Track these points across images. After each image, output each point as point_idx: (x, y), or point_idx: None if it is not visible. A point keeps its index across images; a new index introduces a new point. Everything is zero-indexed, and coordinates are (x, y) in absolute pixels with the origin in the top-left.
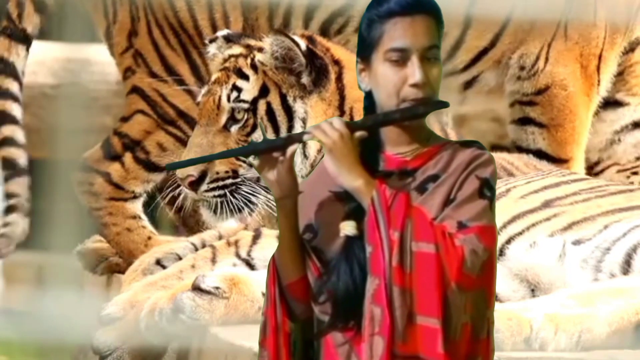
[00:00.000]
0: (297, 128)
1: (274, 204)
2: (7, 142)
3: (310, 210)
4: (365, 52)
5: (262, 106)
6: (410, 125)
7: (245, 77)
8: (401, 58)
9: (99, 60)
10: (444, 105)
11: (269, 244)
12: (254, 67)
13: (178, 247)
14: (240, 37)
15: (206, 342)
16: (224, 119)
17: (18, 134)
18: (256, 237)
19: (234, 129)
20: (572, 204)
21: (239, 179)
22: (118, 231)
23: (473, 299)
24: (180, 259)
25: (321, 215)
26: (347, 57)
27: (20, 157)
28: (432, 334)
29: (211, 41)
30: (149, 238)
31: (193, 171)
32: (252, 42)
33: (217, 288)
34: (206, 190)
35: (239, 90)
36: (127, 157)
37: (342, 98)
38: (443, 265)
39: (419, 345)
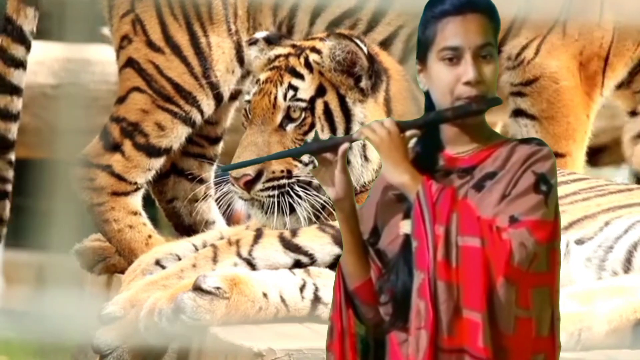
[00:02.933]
0: (355, 130)
1: (322, 207)
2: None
3: (375, 213)
4: (422, 52)
5: (319, 106)
6: (469, 125)
7: (300, 76)
8: (454, 56)
9: (99, 60)
10: (497, 102)
11: (270, 243)
12: (308, 66)
13: (178, 247)
14: (280, 38)
15: (206, 342)
16: (279, 117)
17: (12, 105)
18: (257, 236)
19: (290, 127)
20: (572, 203)
21: (292, 179)
22: (120, 228)
23: (532, 295)
24: (180, 259)
25: (384, 218)
26: (394, 66)
27: (10, 132)
28: (474, 327)
29: (251, 44)
30: (150, 237)
31: (250, 170)
32: (297, 42)
33: (218, 288)
34: (261, 190)
35: (295, 89)
36: (127, 145)
37: (388, 111)
38: (489, 259)
39: (464, 339)
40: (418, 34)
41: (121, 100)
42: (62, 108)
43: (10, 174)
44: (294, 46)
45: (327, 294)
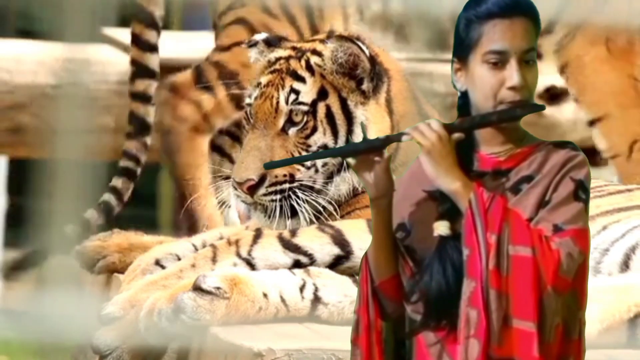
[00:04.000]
0: (358, 133)
1: (323, 209)
2: (139, 96)
3: (404, 209)
4: (462, 52)
5: (321, 109)
6: (505, 126)
7: (302, 80)
8: (499, 60)
9: (99, 60)
10: (541, 108)
11: (269, 243)
12: (309, 69)
13: (178, 247)
14: (280, 40)
15: (206, 342)
16: (282, 121)
17: (150, 89)
18: (257, 236)
19: (292, 131)
20: None
21: (295, 184)
22: (189, 162)
23: (565, 301)
24: (179, 259)
25: (414, 215)
26: (394, 66)
27: (149, 115)
28: (527, 338)
29: (250, 45)
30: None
31: (253, 175)
32: (297, 44)
33: (218, 288)
34: (264, 194)
35: (297, 92)
36: (221, 90)
37: (390, 112)
38: (539, 268)
39: (514, 349)
40: (457, 32)
41: (223, 49)
42: (62, 108)
43: (143, 157)
44: (294, 48)
45: (327, 294)
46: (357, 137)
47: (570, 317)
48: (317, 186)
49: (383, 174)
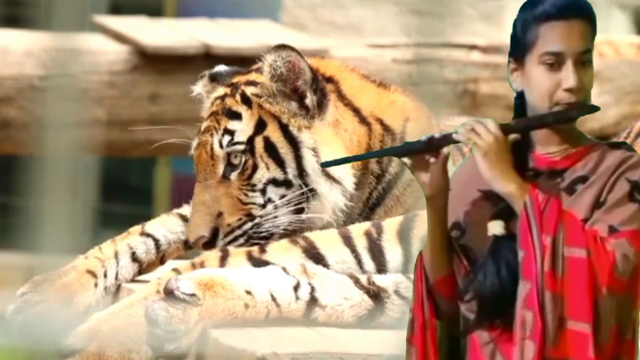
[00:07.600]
0: (308, 157)
1: (299, 224)
2: None
3: (459, 208)
4: (518, 53)
5: (259, 144)
6: (560, 127)
7: (237, 116)
8: (556, 62)
9: (90, 50)
10: (596, 109)
11: (238, 263)
12: (246, 101)
13: (136, 242)
14: (228, 75)
15: (207, 346)
16: (221, 168)
17: None
18: (224, 257)
19: (234, 175)
20: None
21: (256, 220)
22: None
23: (620, 301)
24: (134, 255)
25: (469, 214)
26: (338, 71)
27: None
28: (583, 339)
29: (200, 77)
30: None
31: (204, 232)
32: (238, 78)
33: (193, 295)
34: (227, 244)
35: (232, 132)
36: None
37: (355, 110)
38: (594, 270)
39: (570, 350)
40: (514, 33)
41: None
42: (51, 101)
43: None
44: (230, 85)
45: (325, 296)
46: (307, 162)
47: (624, 318)
48: (284, 219)
49: (439, 173)
